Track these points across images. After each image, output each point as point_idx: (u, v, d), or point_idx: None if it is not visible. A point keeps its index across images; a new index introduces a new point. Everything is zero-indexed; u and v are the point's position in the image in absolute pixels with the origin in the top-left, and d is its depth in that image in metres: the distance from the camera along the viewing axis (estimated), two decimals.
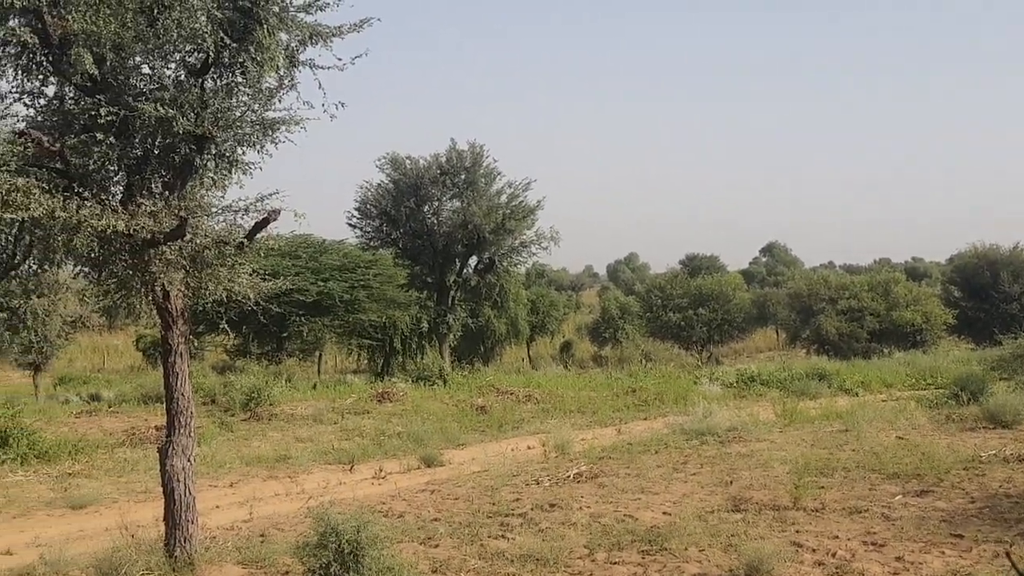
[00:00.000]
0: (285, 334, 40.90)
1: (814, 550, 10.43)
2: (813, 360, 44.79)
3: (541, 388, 31.25)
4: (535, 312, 64.31)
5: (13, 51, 9.12)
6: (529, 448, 19.89)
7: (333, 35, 9.68)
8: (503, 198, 49.33)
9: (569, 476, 15.29)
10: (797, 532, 11.19)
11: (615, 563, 10.29)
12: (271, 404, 26.38)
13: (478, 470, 17.18)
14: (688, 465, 15.88)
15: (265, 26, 9.15)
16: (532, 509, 12.95)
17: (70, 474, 17.88)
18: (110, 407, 29.14)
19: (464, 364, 47.17)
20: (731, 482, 14.20)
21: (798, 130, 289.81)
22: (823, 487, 13.39)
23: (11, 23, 8.89)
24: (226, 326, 27.52)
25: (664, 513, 12.41)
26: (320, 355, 49.41)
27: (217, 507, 14.46)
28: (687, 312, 61.79)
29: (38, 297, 20.04)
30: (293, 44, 9.62)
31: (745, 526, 11.51)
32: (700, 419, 19.47)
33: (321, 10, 9.64)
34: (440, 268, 50.38)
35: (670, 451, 17.39)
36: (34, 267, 20.10)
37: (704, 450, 17.19)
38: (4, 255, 19.69)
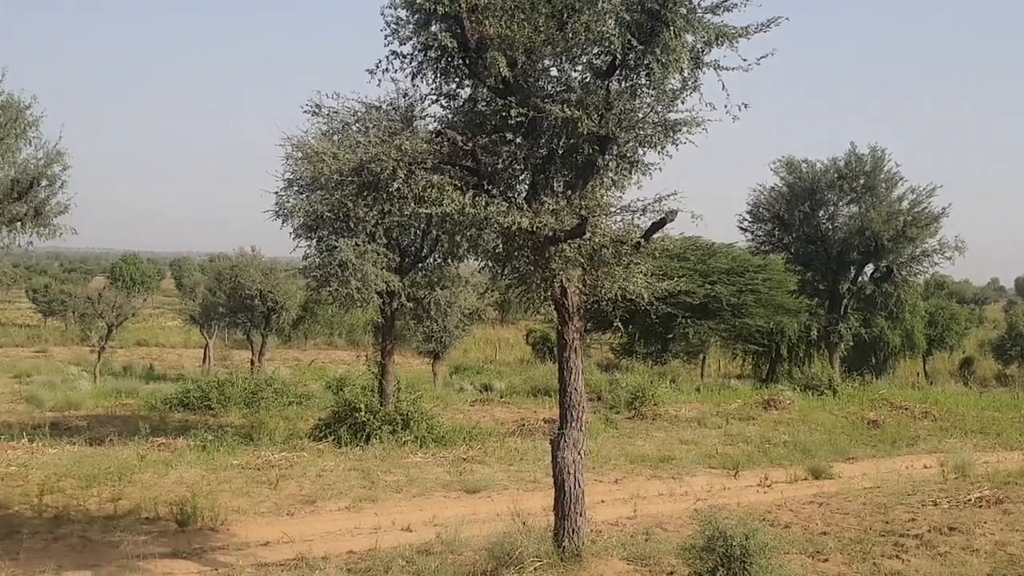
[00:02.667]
0: (671, 335, 41.17)
1: None
2: None
3: (939, 405, 29.52)
4: (933, 325, 61.08)
5: (434, 55, 9.65)
6: (925, 467, 18.86)
7: (739, 36, 9.51)
8: (904, 204, 46.95)
9: (970, 500, 14.37)
10: None
11: None
12: (655, 404, 26.62)
13: (869, 486, 16.49)
14: None
15: (672, 28, 9.13)
16: (929, 531, 12.27)
17: (464, 459, 18.75)
18: (501, 397, 30.50)
19: (854, 375, 45.49)
20: None
21: None
22: None
23: (433, 28, 9.42)
24: (619, 324, 28.08)
25: None
26: (704, 358, 49.24)
27: (602, 502, 14.70)
28: None
29: (441, 289, 21.16)
30: (698, 45, 9.53)
31: None
32: None
33: (728, 11, 9.51)
34: (833, 275, 48.73)
35: None
36: (439, 260, 21.29)
37: None
38: (413, 248, 21.01)
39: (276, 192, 18.45)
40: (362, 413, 20.17)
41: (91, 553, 11.85)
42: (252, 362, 40.87)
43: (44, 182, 20.09)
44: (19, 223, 20.10)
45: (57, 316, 69.54)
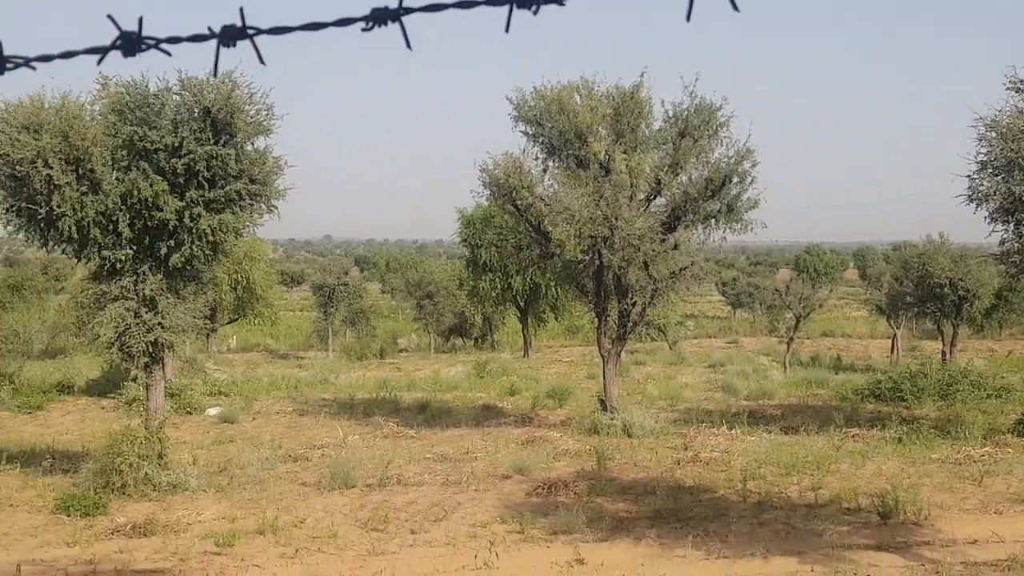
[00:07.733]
0: None
1: None
2: None
3: None
4: None
5: None
6: None
7: None
8: None
9: None
10: None
11: None
12: None
13: None
14: None
15: None
16: None
17: None
18: None
19: None
20: None
21: None
22: None
23: None
24: None
25: None
26: None
27: None
28: None
29: None
30: None
31: None
32: None
33: None
34: None
35: None
36: None
37: None
38: None
39: (968, 176, 17.73)
40: None
41: (795, 540, 12.19)
42: (943, 353, 39.63)
43: (735, 179, 21.12)
44: (713, 220, 21.39)
45: (745, 308, 72.50)
